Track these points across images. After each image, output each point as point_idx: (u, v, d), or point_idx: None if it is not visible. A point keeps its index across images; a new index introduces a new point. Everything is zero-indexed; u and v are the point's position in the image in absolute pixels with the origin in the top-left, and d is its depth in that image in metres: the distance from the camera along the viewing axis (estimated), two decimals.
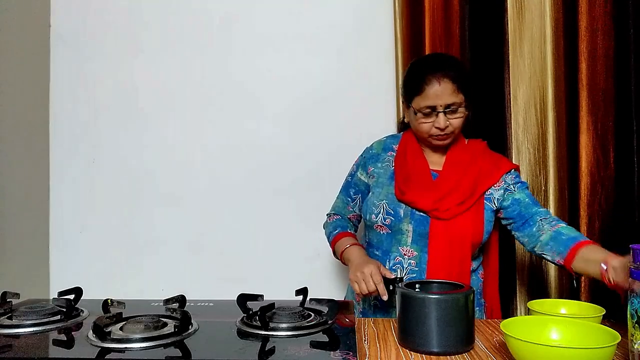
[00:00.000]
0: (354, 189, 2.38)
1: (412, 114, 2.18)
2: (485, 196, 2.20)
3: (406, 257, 2.15)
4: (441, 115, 2.11)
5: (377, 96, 2.87)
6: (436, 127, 2.13)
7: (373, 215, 2.21)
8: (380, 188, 2.25)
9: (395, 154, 2.31)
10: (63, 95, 3.10)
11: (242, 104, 3.04)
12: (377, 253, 2.24)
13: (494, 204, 2.21)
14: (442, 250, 2.12)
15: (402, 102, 2.32)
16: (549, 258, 2.06)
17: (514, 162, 2.57)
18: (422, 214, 2.14)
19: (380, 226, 2.20)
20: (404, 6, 2.80)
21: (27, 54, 2.98)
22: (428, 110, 2.12)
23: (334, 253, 2.35)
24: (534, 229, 2.13)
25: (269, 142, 3.03)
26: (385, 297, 1.95)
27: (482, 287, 2.29)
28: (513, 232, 2.23)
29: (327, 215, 2.48)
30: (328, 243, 2.40)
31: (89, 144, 3.09)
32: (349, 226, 2.39)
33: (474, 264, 2.23)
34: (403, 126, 2.42)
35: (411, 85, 2.18)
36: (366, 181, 2.34)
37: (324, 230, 2.46)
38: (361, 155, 2.42)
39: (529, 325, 1.54)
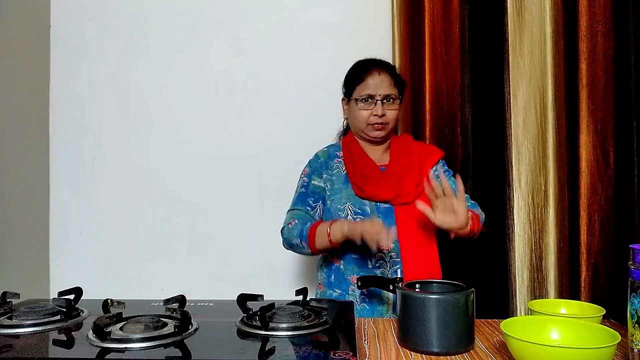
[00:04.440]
0: (313, 197, 2.37)
1: (353, 105, 2.39)
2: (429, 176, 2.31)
3: (385, 251, 2.24)
4: (379, 103, 2.31)
5: None
6: (374, 115, 2.32)
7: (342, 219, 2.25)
8: (339, 193, 2.33)
9: (342, 159, 2.42)
10: (63, 95, 3.10)
11: (244, 104, 3.05)
12: (354, 256, 2.27)
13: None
14: (411, 233, 2.24)
15: (342, 100, 2.49)
16: None
17: (513, 163, 2.59)
18: (386, 205, 2.28)
19: None
20: (403, 6, 2.81)
21: (27, 54, 2.99)
22: (368, 98, 2.33)
23: (314, 242, 2.20)
24: None
25: (270, 142, 3.04)
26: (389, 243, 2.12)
27: None
28: None
29: (282, 228, 2.36)
30: (300, 241, 2.23)
31: (89, 144, 3.10)
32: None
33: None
34: (343, 135, 2.57)
35: (353, 78, 2.41)
36: (323, 186, 2.38)
37: (283, 238, 2.34)
38: (308, 166, 2.47)
39: (529, 325, 1.54)
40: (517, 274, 2.62)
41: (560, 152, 2.59)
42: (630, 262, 1.41)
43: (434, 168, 2.38)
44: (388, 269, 2.23)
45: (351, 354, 1.28)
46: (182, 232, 3.06)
